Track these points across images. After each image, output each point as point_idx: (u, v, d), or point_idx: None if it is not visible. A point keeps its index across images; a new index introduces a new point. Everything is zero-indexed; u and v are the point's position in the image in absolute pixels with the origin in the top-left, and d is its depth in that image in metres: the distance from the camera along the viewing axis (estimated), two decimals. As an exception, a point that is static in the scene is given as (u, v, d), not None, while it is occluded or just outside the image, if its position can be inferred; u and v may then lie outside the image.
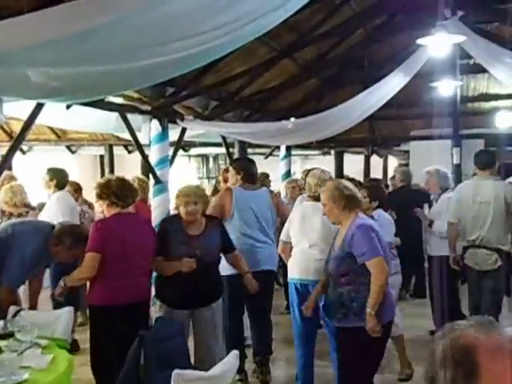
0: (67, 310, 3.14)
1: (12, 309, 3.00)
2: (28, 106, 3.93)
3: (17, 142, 3.91)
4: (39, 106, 3.89)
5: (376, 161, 11.26)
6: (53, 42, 2.38)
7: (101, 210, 3.37)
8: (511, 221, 3.99)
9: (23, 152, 8.96)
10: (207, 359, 3.24)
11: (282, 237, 3.80)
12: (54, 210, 4.50)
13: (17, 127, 6.57)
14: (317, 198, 3.46)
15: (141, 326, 2.98)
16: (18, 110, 4.24)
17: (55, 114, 5.10)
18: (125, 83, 3.70)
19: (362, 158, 10.92)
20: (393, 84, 5.99)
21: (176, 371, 2.23)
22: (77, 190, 5.60)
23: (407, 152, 9.30)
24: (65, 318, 3.06)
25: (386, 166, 11.81)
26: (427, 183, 4.99)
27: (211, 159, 14.08)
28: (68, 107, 4.49)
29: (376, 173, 9.86)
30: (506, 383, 0.90)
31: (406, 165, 9.03)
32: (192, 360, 3.21)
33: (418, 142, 8.45)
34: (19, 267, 3.11)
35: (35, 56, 2.50)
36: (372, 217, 3.65)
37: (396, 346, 4.04)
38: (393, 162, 12.01)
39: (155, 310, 3.45)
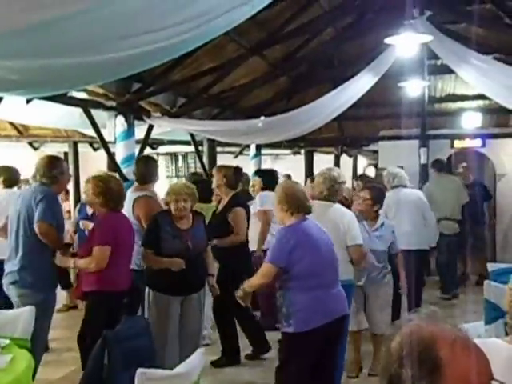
0: (28, 310, 3.07)
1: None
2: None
3: (-26, 138, 3.72)
4: (-2, 100, 3.75)
5: (346, 160, 11.34)
6: (11, 33, 2.28)
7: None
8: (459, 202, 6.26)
9: (-17, 148, 8.62)
10: (193, 340, 3.57)
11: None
12: None
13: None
14: (324, 199, 3.53)
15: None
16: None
17: (15, 108, 4.91)
18: (87, 77, 3.59)
19: (331, 157, 10.98)
20: (362, 84, 6.01)
21: (140, 370, 2.20)
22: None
23: (376, 152, 9.38)
24: (25, 318, 2.99)
25: (355, 166, 11.91)
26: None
27: (180, 157, 13.90)
28: (28, 101, 4.33)
29: (345, 172, 9.92)
30: (468, 372, 0.91)
31: (375, 165, 9.13)
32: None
33: (387, 142, 8.53)
34: (47, 208, 3.42)
35: None
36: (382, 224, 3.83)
37: (374, 343, 4.10)
38: (362, 162, 12.13)
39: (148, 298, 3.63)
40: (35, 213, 3.37)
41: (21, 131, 8.22)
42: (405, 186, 4.88)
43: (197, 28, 2.94)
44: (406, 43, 4.46)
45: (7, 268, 3.51)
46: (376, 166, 9.08)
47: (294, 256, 2.83)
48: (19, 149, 8.87)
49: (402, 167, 6.49)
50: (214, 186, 4.58)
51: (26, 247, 3.45)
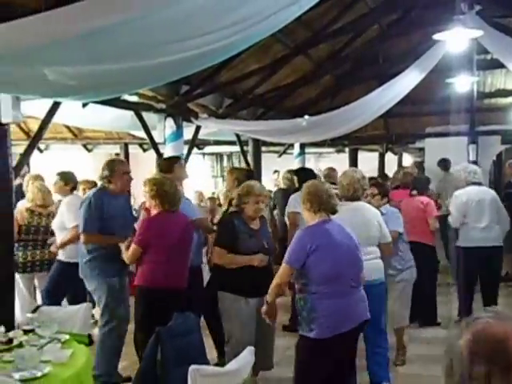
0: (85, 306, 3.21)
1: (32, 306, 3.11)
2: (45, 104, 3.96)
3: (34, 141, 3.94)
4: (56, 105, 3.91)
5: (390, 158, 11.14)
6: (69, 40, 2.40)
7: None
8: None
9: (40, 151, 9.09)
10: (269, 343, 3.54)
11: None
12: (66, 216, 4.44)
13: (34, 126, 6.65)
14: (350, 199, 3.54)
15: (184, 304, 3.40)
16: (36, 108, 4.28)
17: (72, 112, 5.14)
18: (140, 81, 3.71)
19: (376, 155, 10.81)
20: (408, 80, 5.93)
21: (192, 366, 2.23)
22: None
23: (422, 149, 9.19)
24: (83, 314, 3.14)
25: (400, 164, 11.68)
26: None
27: (225, 157, 14.10)
28: (84, 105, 4.54)
29: (390, 170, 9.76)
30: None
31: (421, 162, 8.95)
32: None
33: (434, 139, 8.33)
34: (83, 216, 3.65)
35: (52, 54, 2.51)
36: (381, 212, 3.88)
37: (396, 336, 4.18)
38: (408, 160, 11.87)
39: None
40: None
41: (76, 134, 8.61)
42: (480, 184, 4.87)
43: (245, 30, 2.99)
44: (455, 39, 4.39)
45: None
46: (421, 163, 8.94)
47: (314, 259, 2.74)
48: (74, 151, 9.30)
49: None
50: (226, 188, 4.48)
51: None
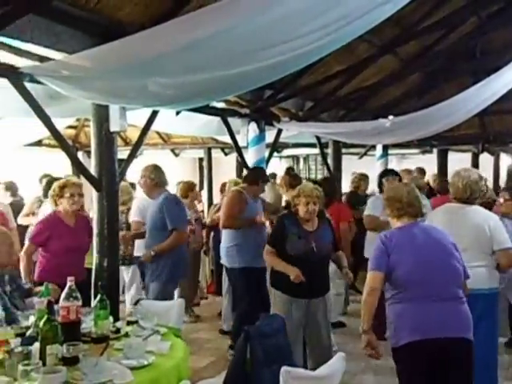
0: (179, 302, 3.39)
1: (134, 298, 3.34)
2: (145, 113, 4.15)
3: (136, 147, 4.15)
4: (154, 114, 4.12)
5: (485, 159, 10.24)
6: (169, 53, 2.55)
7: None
8: None
9: (135, 156, 9.66)
10: (319, 347, 3.54)
11: None
12: None
13: (131, 134, 7.10)
14: (464, 202, 3.33)
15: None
16: (133, 117, 4.51)
17: (165, 120, 5.34)
18: (231, 88, 3.81)
19: (466, 156, 10.07)
20: (512, 75, 5.38)
21: (284, 368, 2.23)
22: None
23: (525, 149, 8.41)
24: (177, 309, 3.30)
25: (497, 165, 10.66)
26: None
27: (301, 160, 14.02)
28: (177, 113, 4.73)
29: (485, 173, 9.04)
30: None
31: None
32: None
33: (541, 138, 7.56)
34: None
35: (154, 67, 2.68)
36: None
37: None
38: (506, 161, 10.90)
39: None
40: None
41: (165, 140, 9.20)
42: None
43: (335, 32, 2.93)
44: None
45: None
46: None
47: (394, 259, 2.59)
48: (163, 156, 9.83)
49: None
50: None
51: None
